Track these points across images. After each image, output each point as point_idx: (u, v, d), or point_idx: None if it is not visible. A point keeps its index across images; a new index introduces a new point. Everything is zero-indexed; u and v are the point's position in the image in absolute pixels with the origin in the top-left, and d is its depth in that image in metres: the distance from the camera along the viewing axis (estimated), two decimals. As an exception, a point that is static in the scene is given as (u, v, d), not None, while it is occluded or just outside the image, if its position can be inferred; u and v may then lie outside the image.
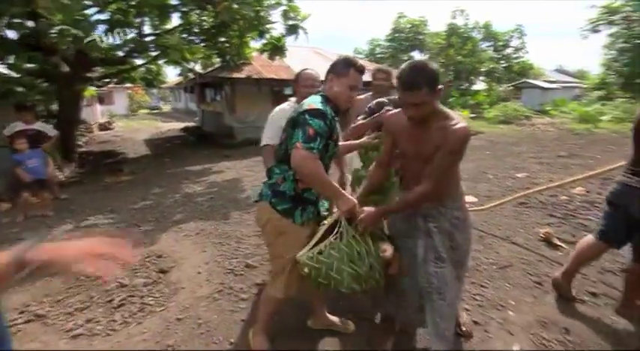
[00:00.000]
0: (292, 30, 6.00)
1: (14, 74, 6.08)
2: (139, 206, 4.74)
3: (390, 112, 1.84)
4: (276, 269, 1.80)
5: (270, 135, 2.34)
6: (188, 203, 4.81)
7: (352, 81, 1.64)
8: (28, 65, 6.04)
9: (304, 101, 1.64)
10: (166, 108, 32.96)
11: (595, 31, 19.49)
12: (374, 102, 2.33)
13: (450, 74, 23.79)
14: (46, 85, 6.52)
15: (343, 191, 1.64)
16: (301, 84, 2.31)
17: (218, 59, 9.11)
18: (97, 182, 6.27)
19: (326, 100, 1.64)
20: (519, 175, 5.89)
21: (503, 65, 26.91)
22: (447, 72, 23.68)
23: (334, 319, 2.14)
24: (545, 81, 24.81)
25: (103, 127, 15.68)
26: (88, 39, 5.24)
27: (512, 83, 24.54)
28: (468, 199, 4.37)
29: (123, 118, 21.93)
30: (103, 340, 2.13)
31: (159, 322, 2.28)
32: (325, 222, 1.72)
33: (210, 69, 9.73)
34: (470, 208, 4.01)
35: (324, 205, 1.87)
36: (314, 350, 2.00)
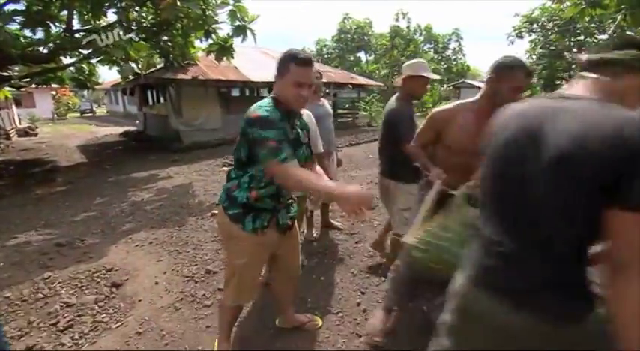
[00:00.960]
0: (240, 31, 5.86)
1: None
2: (80, 218, 4.33)
3: (441, 109, 1.86)
4: (227, 275, 1.76)
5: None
6: (137, 212, 4.50)
7: (295, 76, 1.45)
8: None
9: (250, 108, 1.49)
10: (101, 111, 30.41)
11: (519, 37, 21.84)
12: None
13: (395, 75, 25.03)
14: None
15: (337, 188, 1.32)
16: None
17: (160, 59, 8.63)
18: (23, 194, 5.61)
19: (275, 102, 1.50)
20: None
21: (444, 66, 28.94)
22: (392, 73, 24.85)
23: (302, 317, 2.17)
24: (481, 81, 27.11)
25: (24, 132, 14.01)
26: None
27: (452, 83, 26.48)
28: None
29: (49, 123, 19.81)
30: (52, 366, 1.94)
31: (116, 338, 2.13)
32: (429, 197, 1.64)
33: (152, 70, 9.16)
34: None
35: (291, 212, 1.75)
36: (285, 349, 2.01)
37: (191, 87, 9.75)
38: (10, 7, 5.71)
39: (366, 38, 30.08)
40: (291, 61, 1.45)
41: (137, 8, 6.01)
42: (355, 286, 2.63)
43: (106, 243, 3.52)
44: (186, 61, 8.63)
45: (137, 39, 6.69)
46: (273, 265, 1.87)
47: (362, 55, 32.00)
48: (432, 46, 29.53)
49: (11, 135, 12.81)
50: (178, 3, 5.07)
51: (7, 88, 9.30)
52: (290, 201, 1.74)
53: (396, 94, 2.43)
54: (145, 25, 6.55)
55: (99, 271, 2.91)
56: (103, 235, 3.75)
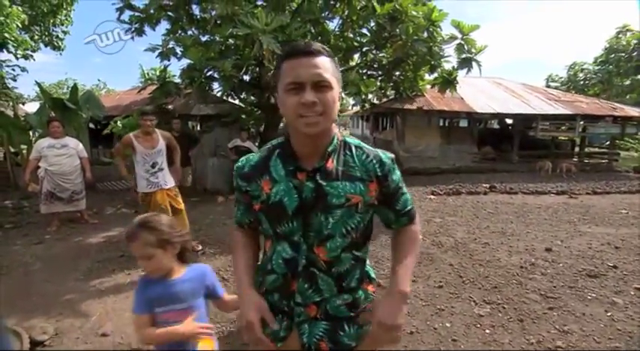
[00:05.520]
0: (465, 63, 5.89)
1: (242, 105, 8.47)
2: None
3: None
4: None
5: None
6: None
7: (286, 77, 0.88)
8: (252, 98, 8.30)
9: None
10: (345, 133, 36.78)
11: None
12: None
13: None
14: (259, 114, 8.69)
15: (248, 290, 0.96)
16: None
17: (392, 91, 9.79)
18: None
19: (284, 141, 1.02)
20: None
21: None
22: None
23: None
24: None
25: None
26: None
27: None
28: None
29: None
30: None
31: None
32: None
33: (384, 100, 10.54)
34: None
35: (340, 333, 1.02)
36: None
37: (415, 116, 10.48)
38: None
39: (657, 54, 22.05)
40: (281, 60, 0.92)
41: (374, 51, 7.22)
42: None
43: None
44: (413, 93, 9.38)
45: (376, 75, 8.01)
46: None
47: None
48: None
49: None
50: (409, 43, 5.72)
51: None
52: (342, 306, 1.00)
53: None
54: (382, 63, 7.71)
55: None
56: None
